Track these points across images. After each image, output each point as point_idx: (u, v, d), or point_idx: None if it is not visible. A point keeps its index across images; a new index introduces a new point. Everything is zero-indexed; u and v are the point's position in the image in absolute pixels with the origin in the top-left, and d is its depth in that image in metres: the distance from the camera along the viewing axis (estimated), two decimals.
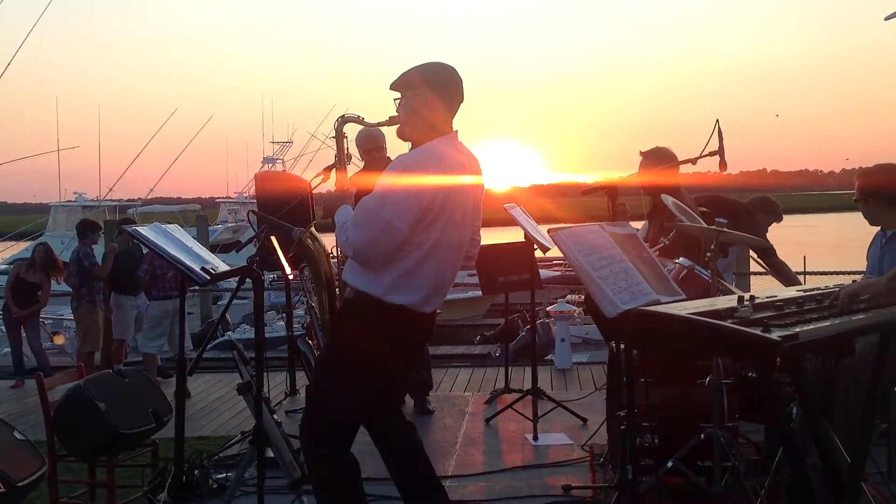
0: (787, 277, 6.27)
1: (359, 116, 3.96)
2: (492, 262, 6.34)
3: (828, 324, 2.64)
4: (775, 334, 2.41)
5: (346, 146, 4.17)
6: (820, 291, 3.01)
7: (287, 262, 4.16)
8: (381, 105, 3.63)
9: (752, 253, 8.87)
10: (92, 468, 5.70)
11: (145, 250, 8.83)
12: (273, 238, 4.07)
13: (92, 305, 9.73)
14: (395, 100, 3.57)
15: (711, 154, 4.48)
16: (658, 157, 5.27)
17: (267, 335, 5.30)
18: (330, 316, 3.76)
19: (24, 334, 10.20)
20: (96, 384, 5.35)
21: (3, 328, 10.51)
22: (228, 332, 13.47)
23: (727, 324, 2.49)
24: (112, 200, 28.43)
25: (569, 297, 17.41)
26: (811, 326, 2.57)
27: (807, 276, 10.09)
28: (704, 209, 5.13)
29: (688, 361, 4.50)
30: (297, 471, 4.39)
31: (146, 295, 9.02)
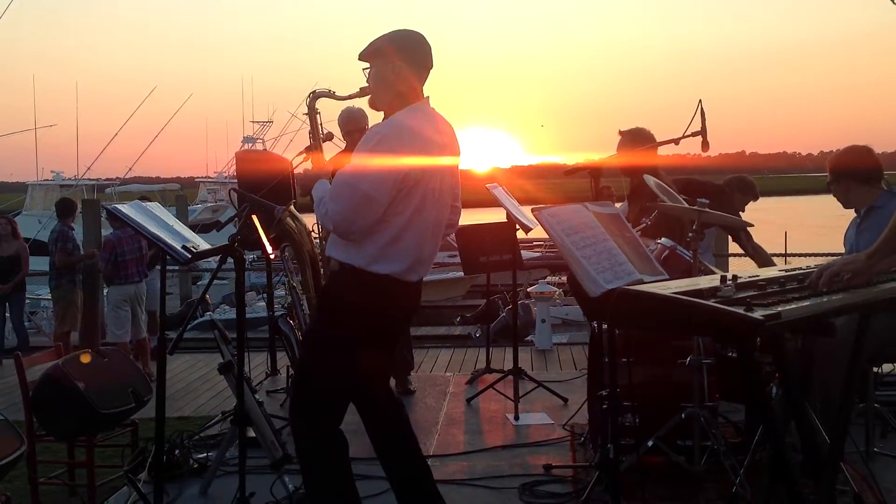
0: (763, 260, 6.24)
1: (330, 90, 3.94)
2: (474, 242, 6.35)
3: (809, 303, 2.65)
4: (758, 313, 2.42)
5: (319, 122, 4.14)
6: (801, 271, 3.01)
7: (269, 241, 4.14)
8: (364, 82, 3.61)
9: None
10: (71, 448, 5.68)
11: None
12: (255, 217, 4.05)
13: (72, 285, 9.67)
14: (364, 69, 3.56)
15: (694, 134, 4.49)
16: (636, 138, 5.28)
17: (247, 316, 5.27)
18: (315, 293, 3.75)
19: (7, 314, 10.15)
20: (75, 364, 5.33)
21: None
22: (208, 313, 13.43)
23: (710, 303, 2.49)
24: (90, 179, 28.22)
25: (549, 278, 17.47)
26: (793, 306, 2.57)
27: (787, 258, 10.17)
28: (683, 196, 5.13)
29: (668, 341, 4.52)
30: (279, 451, 4.39)
31: (107, 282, 8.96)
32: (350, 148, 5.89)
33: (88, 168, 27.98)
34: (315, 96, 3.94)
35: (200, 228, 22.56)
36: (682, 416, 4.26)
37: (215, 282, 11.70)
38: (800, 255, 10.95)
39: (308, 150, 3.94)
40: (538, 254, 20.83)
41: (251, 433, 4.42)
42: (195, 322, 11.94)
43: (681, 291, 2.60)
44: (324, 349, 3.48)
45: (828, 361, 3.81)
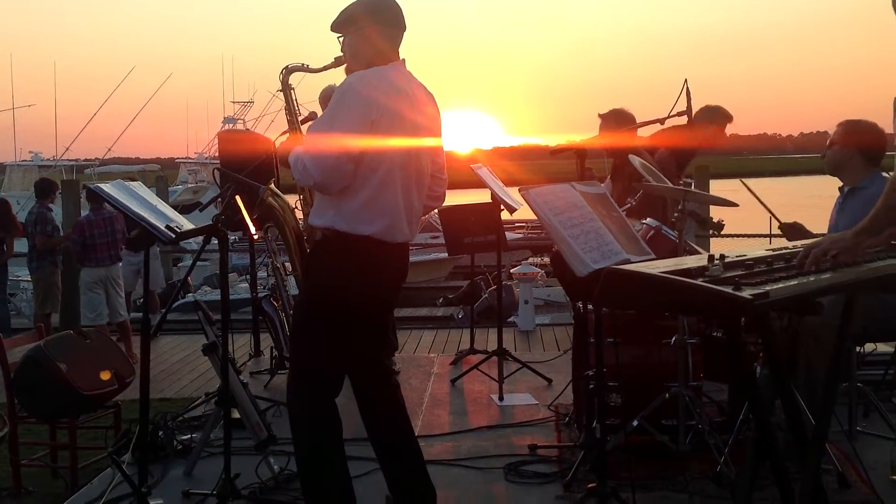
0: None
1: (304, 64, 3.91)
2: (458, 222, 6.33)
3: (797, 282, 2.65)
4: (746, 292, 2.42)
5: (294, 97, 4.11)
6: (789, 251, 3.02)
7: (252, 222, 4.10)
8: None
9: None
10: (53, 430, 5.66)
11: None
12: (238, 197, 4.01)
13: (53, 267, 9.62)
14: (338, 38, 3.56)
15: (680, 114, 4.48)
16: (618, 119, 5.28)
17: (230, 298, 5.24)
18: (302, 270, 3.73)
19: None
20: (57, 345, 5.30)
21: None
22: (189, 294, 13.35)
23: (699, 282, 2.49)
24: (69, 160, 27.97)
25: (531, 259, 17.50)
26: (781, 285, 2.57)
27: (772, 238, 10.20)
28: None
29: (653, 321, 4.53)
30: (264, 432, 4.37)
31: (79, 264, 8.91)
32: None
33: (67, 149, 27.73)
34: (289, 71, 3.92)
35: (181, 209, 22.40)
36: (667, 395, 4.28)
37: (196, 263, 11.65)
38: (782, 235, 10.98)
39: (288, 129, 3.93)
40: (520, 235, 20.84)
41: (236, 414, 4.40)
42: (177, 303, 11.88)
43: (669, 271, 2.60)
44: (312, 319, 3.48)
45: (813, 341, 3.83)
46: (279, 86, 4.32)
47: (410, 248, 3.64)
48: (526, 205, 3.66)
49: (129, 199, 3.73)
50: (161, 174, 27.67)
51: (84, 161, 29.41)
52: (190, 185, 29.28)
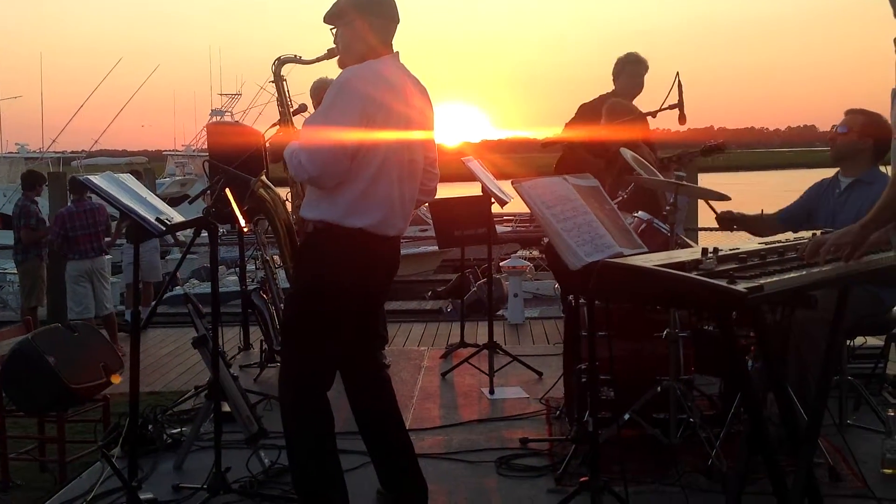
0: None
1: (296, 56, 3.89)
2: (448, 215, 6.31)
3: (791, 276, 2.65)
4: (741, 286, 2.42)
5: (286, 89, 4.09)
6: (781, 244, 3.02)
7: (242, 214, 4.08)
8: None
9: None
10: (41, 424, 5.63)
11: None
12: (228, 190, 3.99)
13: (38, 260, 9.56)
14: (331, 30, 3.54)
15: (671, 107, 4.49)
16: (614, 111, 5.26)
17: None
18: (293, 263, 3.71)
19: None
20: (45, 338, 5.27)
21: None
22: (177, 287, 13.30)
23: (693, 276, 2.49)
24: (55, 152, 27.88)
25: (520, 252, 17.51)
26: (775, 278, 2.57)
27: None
28: None
29: (645, 315, 4.52)
30: (255, 425, 4.35)
31: (63, 256, 8.87)
32: None
33: (54, 141, 27.66)
34: (281, 62, 3.89)
35: (169, 202, 22.31)
36: (658, 389, 4.28)
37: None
38: None
39: (279, 121, 3.89)
40: (509, 228, 20.87)
41: (226, 408, 4.38)
42: (166, 296, 11.83)
43: (663, 264, 2.60)
44: (304, 312, 3.46)
45: (805, 334, 3.83)
46: (268, 78, 4.29)
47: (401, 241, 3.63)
48: (516, 198, 3.65)
49: (118, 191, 3.70)
50: (149, 166, 27.57)
51: (71, 153, 29.32)
52: (178, 178, 29.20)
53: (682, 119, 4.47)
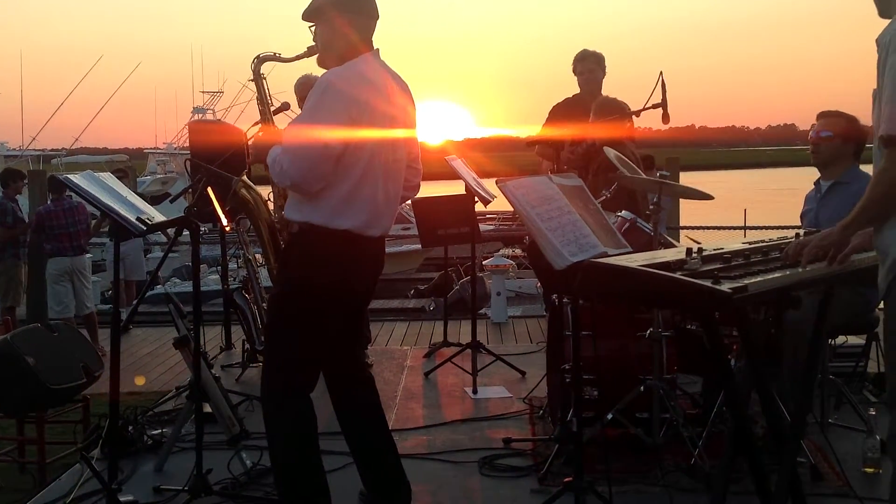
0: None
1: (275, 53, 3.85)
2: (431, 214, 6.28)
3: (775, 276, 2.65)
4: (726, 286, 2.41)
5: (266, 87, 4.05)
6: (766, 244, 3.02)
7: (224, 213, 4.05)
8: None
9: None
10: (21, 424, 5.57)
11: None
12: (210, 189, 3.95)
13: (15, 259, 9.46)
14: (310, 27, 3.51)
15: (654, 106, 4.48)
16: (604, 109, 5.25)
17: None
18: (276, 262, 3.69)
19: None
20: (23, 338, 5.20)
21: None
22: (158, 286, 13.21)
23: (678, 276, 2.48)
24: (35, 150, 27.67)
25: (503, 250, 17.50)
26: (759, 279, 2.57)
27: (747, 231, 10.30)
28: None
29: (628, 314, 4.52)
30: (236, 426, 4.33)
31: (46, 255, 8.79)
32: None
33: (34, 139, 27.45)
34: (260, 60, 3.86)
35: (150, 200, 22.16)
36: (642, 388, 4.27)
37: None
38: (759, 227, 11.15)
39: (260, 120, 3.86)
40: (492, 226, 20.86)
41: (207, 408, 4.35)
42: (147, 295, 11.75)
43: (647, 264, 2.59)
44: (288, 312, 3.44)
45: (794, 333, 3.83)
46: (250, 75, 4.26)
47: None
48: (499, 196, 3.64)
49: (98, 191, 3.66)
50: (129, 165, 27.39)
51: (51, 151, 29.11)
52: (159, 176, 29.01)
53: (665, 118, 4.46)
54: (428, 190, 5.13)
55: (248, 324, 6.40)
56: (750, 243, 3.08)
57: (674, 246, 4.25)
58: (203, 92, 35.43)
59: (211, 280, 12.95)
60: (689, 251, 2.72)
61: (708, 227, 11.25)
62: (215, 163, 4.09)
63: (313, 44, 3.55)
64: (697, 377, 4.87)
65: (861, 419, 4.49)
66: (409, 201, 5.03)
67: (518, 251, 17.22)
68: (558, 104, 6.03)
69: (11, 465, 5.64)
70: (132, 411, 4.83)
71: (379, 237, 3.48)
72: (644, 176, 4.60)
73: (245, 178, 3.67)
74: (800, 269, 2.75)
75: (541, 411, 5.15)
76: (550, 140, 4.36)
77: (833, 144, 4.46)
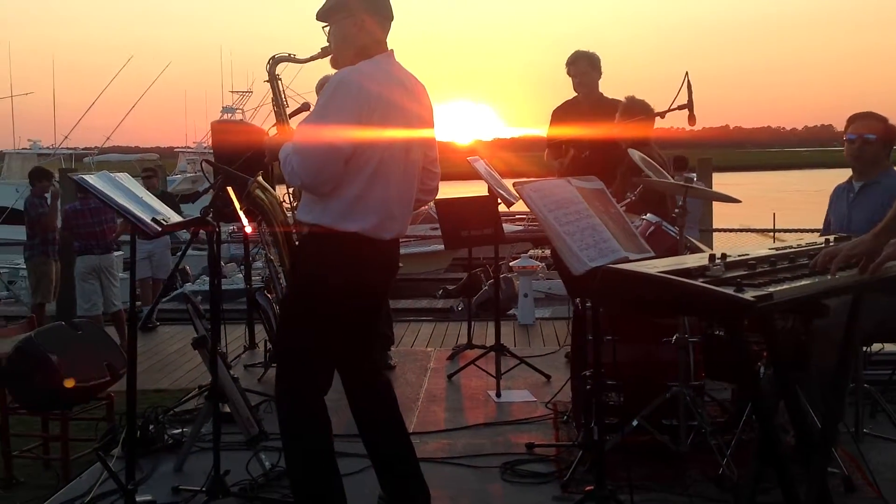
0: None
1: (290, 54, 3.82)
2: (455, 215, 6.21)
3: (801, 283, 2.56)
4: (749, 294, 2.33)
5: (282, 88, 4.02)
6: (793, 250, 2.93)
7: (244, 214, 4.02)
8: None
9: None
10: (45, 421, 5.59)
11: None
12: (230, 189, 3.93)
13: (45, 257, 9.56)
14: (324, 27, 3.46)
15: (681, 108, 4.40)
16: (630, 110, 5.17)
17: (226, 287, 5.15)
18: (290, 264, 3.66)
19: None
20: (48, 336, 5.22)
21: None
22: (187, 284, 13.28)
23: (699, 283, 2.40)
24: (68, 148, 27.89)
25: (532, 251, 17.40)
26: (785, 286, 2.48)
27: (776, 234, 10.13)
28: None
29: (654, 319, 4.43)
30: (255, 427, 4.30)
31: (74, 252, 8.87)
32: None
33: (66, 137, 27.62)
34: (275, 61, 3.83)
35: (180, 199, 22.33)
36: (668, 395, 4.19)
37: (196, 252, 11.59)
38: (789, 230, 10.96)
39: (276, 121, 3.84)
40: (521, 227, 20.73)
41: (227, 409, 4.33)
42: (173, 294, 11.82)
43: (668, 270, 2.51)
44: (300, 316, 3.40)
45: (823, 341, 3.72)
46: (263, 77, 4.23)
47: (410, 239, 3.57)
48: None
49: (113, 191, 3.64)
50: (160, 163, 27.59)
51: (83, 149, 29.35)
52: (189, 175, 29.17)
53: (691, 119, 4.37)
54: (457, 190, 5.08)
55: (270, 323, 6.38)
56: (777, 249, 2.99)
57: (700, 251, 4.15)
58: (232, 91, 35.60)
59: (239, 279, 13.00)
60: (712, 257, 2.63)
61: (740, 230, 11.10)
62: (235, 163, 4.07)
63: (327, 45, 3.51)
64: (727, 383, 4.77)
65: None
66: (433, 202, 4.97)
67: (547, 252, 17.11)
68: (557, 108, 6.04)
69: (36, 462, 5.67)
70: (153, 410, 4.82)
71: (391, 240, 3.42)
72: (670, 178, 4.51)
73: (260, 178, 3.64)
74: (828, 277, 2.66)
75: (565, 416, 5.07)
76: (572, 140, 4.29)
77: (874, 147, 4.40)
